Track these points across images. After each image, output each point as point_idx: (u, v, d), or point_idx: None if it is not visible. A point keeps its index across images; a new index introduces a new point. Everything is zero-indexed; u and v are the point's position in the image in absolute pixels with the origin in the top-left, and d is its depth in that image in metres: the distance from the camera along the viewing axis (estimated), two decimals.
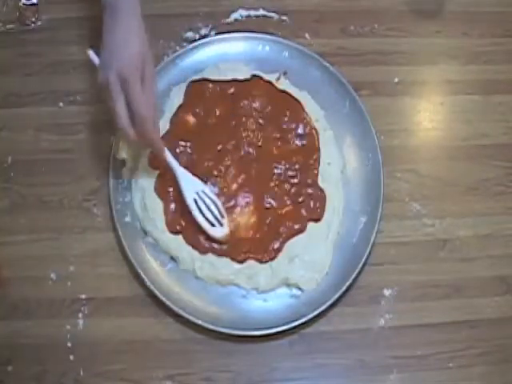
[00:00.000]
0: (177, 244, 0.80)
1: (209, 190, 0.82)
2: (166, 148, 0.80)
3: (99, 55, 0.76)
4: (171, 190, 0.82)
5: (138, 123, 0.73)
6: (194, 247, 0.80)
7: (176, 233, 0.81)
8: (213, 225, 0.80)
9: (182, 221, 0.81)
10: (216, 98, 0.87)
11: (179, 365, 0.77)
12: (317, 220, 0.82)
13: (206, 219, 0.80)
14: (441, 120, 0.92)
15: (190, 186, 0.81)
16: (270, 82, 0.89)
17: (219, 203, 0.81)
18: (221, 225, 0.80)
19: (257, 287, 0.80)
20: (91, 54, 0.78)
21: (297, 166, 0.85)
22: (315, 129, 0.87)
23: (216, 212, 0.81)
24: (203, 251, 0.80)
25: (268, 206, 0.83)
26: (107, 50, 0.74)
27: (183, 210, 0.81)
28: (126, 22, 0.75)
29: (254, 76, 0.89)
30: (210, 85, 0.88)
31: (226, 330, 0.76)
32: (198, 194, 0.81)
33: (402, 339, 0.79)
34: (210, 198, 0.81)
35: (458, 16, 0.98)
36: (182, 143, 0.85)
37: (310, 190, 0.84)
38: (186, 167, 0.83)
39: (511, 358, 0.79)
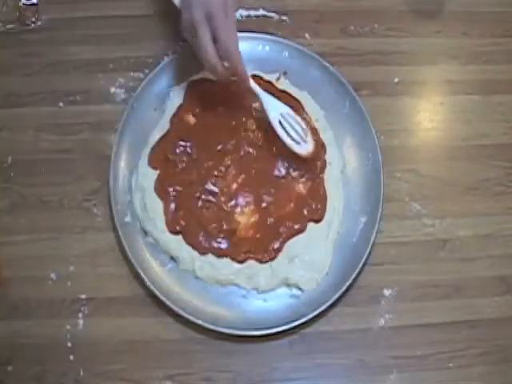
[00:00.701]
0: (177, 244, 0.80)
1: (289, 110, 0.84)
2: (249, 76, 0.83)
3: None
4: (171, 189, 0.82)
5: (227, 56, 0.77)
6: (193, 248, 0.80)
7: (176, 233, 0.81)
8: (298, 143, 0.83)
9: (182, 221, 0.81)
10: (216, 98, 0.87)
11: (179, 365, 0.77)
12: (317, 221, 0.82)
13: (292, 139, 0.83)
14: (441, 120, 0.92)
15: (274, 108, 0.84)
16: (270, 82, 0.89)
17: (303, 123, 0.84)
18: (305, 142, 0.83)
19: (257, 287, 0.80)
20: None
21: (297, 166, 0.85)
22: (315, 129, 0.87)
23: (300, 131, 0.83)
24: (203, 252, 0.80)
25: (268, 206, 0.83)
26: None
27: (183, 210, 0.81)
28: None
29: (253, 76, 0.89)
30: (210, 85, 0.88)
31: (226, 329, 0.76)
32: (282, 115, 0.83)
33: (402, 339, 0.79)
34: (294, 118, 0.83)
35: (457, 16, 0.98)
36: (182, 143, 0.85)
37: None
38: (185, 167, 0.83)
39: (511, 358, 0.79)
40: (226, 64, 0.79)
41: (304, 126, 0.84)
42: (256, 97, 0.84)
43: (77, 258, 0.81)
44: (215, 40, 0.76)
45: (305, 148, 0.83)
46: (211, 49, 0.76)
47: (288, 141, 0.82)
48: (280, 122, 0.83)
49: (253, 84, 0.83)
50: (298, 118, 0.84)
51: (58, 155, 0.86)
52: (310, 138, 0.83)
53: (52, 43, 0.92)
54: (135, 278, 0.80)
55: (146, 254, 0.81)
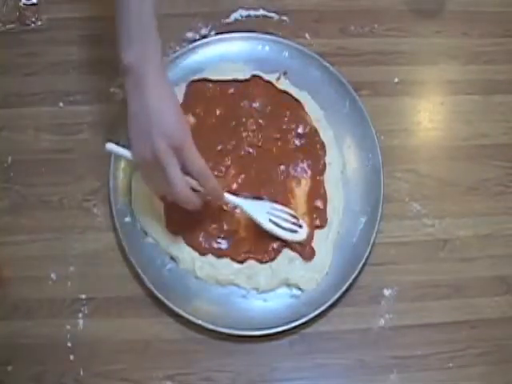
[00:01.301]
0: (177, 244, 0.80)
1: (273, 204, 0.81)
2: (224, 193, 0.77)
3: (119, 143, 0.74)
4: None
5: (203, 183, 0.71)
6: (193, 248, 0.80)
7: (176, 233, 0.81)
8: (294, 231, 0.80)
9: (182, 222, 0.81)
10: (216, 98, 0.87)
11: (179, 365, 0.77)
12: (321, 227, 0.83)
13: (287, 229, 0.80)
14: (441, 120, 0.92)
15: (260, 210, 0.80)
16: (270, 82, 0.89)
17: (287, 209, 0.81)
18: (300, 226, 0.80)
19: (257, 287, 0.80)
20: (109, 146, 0.74)
21: (297, 166, 0.85)
22: (315, 128, 0.87)
23: (291, 218, 0.80)
24: (203, 252, 0.80)
25: None
26: (141, 121, 0.69)
27: (183, 210, 0.81)
28: (157, 88, 0.69)
29: (254, 76, 0.89)
30: (210, 85, 0.88)
31: (226, 329, 0.76)
32: (269, 213, 0.80)
33: (402, 339, 0.79)
34: (279, 209, 0.80)
35: (457, 16, 0.97)
36: None
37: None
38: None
39: (511, 358, 0.79)
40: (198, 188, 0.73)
41: (290, 211, 0.81)
42: (237, 208, 0.80)
43: (77, 258, 0.81)
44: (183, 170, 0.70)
45: (302, 232, 0.80)
46: (183, 181, 0.69)
47: (286, 235, 0.79)
48: (270, 220, 0.79)
49: (230, 199, 0.78)
50: (281, 207, 0.81)
51: (58, 155, 0.86)
52: (302, 221, 0.81)
53: (52, 43, 0.92)
54: (135, 278, 0.80)
55: (145, 254, 0.80)
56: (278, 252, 0.80)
